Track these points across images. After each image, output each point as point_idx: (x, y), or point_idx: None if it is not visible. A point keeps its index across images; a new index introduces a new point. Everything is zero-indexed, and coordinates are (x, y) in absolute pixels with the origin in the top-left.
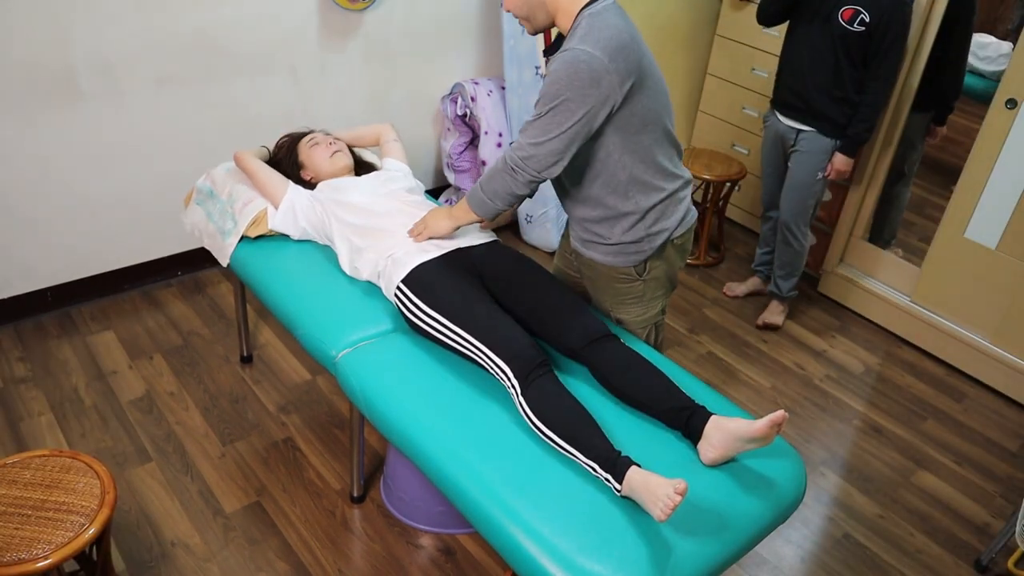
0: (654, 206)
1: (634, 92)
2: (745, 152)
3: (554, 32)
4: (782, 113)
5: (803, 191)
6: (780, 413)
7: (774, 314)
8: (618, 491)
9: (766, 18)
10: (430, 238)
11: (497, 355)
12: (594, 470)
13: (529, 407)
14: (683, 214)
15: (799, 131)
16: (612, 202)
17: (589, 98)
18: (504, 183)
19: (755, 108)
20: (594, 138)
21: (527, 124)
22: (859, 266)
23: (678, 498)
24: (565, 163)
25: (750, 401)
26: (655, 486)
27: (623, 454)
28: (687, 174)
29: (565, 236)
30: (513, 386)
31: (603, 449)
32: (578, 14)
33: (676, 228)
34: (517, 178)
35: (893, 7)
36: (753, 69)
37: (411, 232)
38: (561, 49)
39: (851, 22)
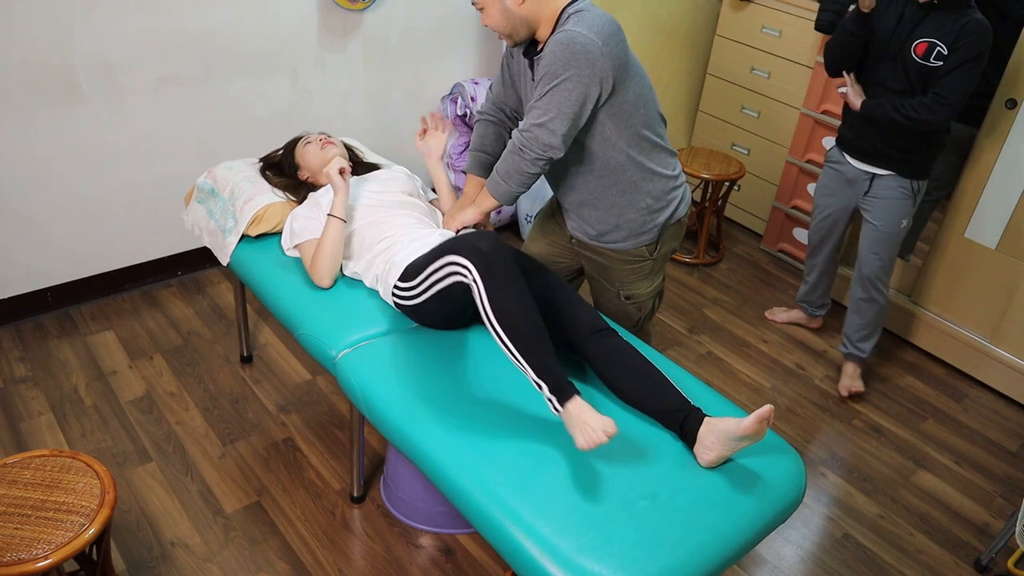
0: (651, 184)
1: (624, 78)
2: (745, 152)
3: None
4: (854, 156)
5: (889, 241)
6: (766, 408)
7: (855, 379)
8: (556, 412)
9: (834, 69)
10: (462, 227)
11: (462, 256)
12: (539, 387)
13: (491, 305)
14: (682, 194)
15: (874, 175)
16: (611, 182)
17: (585, 77)
18: (514, 163)
19: (755, 108)
20: (589, 125)
21: (531, 105)
22: None
23: (604, 438)
24: (568, 141)
25: (750, 401)
26: (589, 418)
27: (571, 380)
28: (673, 149)
29: (550, 221)
30: (476, 282)
31: (555, 372)
32: (561, 14)
33: (679, 206)
34: (525, 157)
35: (968, 28)
36: (753, 69)
37: (444, 225)
38: (555, 33)
39: (926, 57)
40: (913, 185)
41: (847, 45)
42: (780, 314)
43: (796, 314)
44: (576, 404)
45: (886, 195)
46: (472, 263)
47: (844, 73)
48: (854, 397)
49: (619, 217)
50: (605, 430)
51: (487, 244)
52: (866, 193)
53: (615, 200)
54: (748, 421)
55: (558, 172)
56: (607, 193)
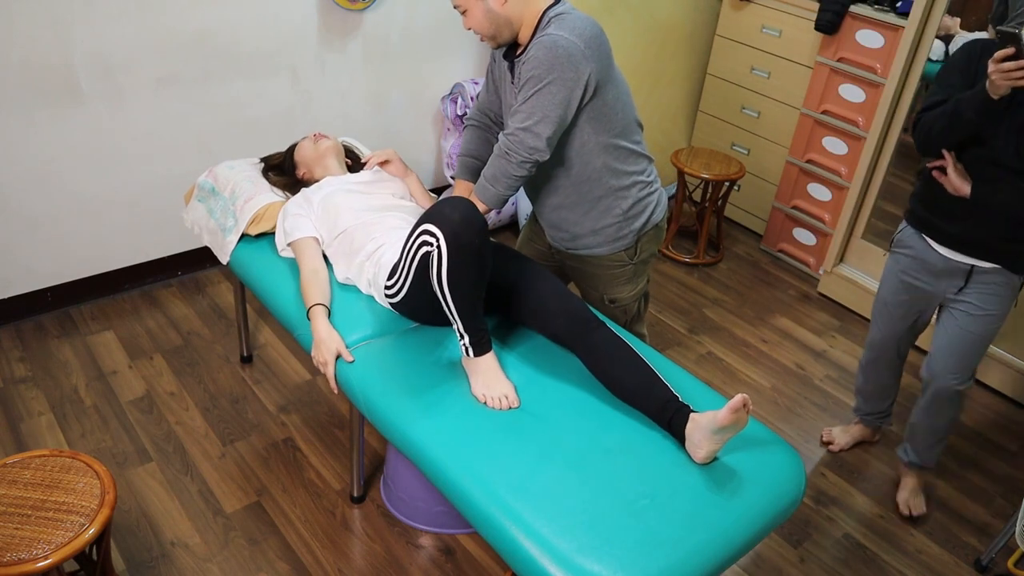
0: (627, 188)
1: (605, 82)
2: (745, 152)
3: None
4: (945, 245)
5: (982, 344)
6: (739, 397)
7: (918, 494)
8: (467, 356)
9: (933, 152)
10: None
11: (433, 224)
12: (461, 336)
13: (448, 276)
14: (658, 199)
15: (973, 266)
16: (587, 188)
17: (569, 80)
18: (501, 167)
19: (755, 108)
20: (568, 130)
21: (515, 109)
22: (859, 266)
23: (501, 404)
24: (553, 144)
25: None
26: (495, 379)
27: (489, 338)
28: (650, 154)
29: (533, 228)
30: (440, 249)
31: (481, 331)
32: (542, 16)
33: (655, 211)
34: (511, 160)
35: None
36: (753, 69)
37: None
38: (537, 36)
39: None
40: (1019, 280)
41: (959, 132)
42: (840, 438)
43: (859, 430)
44: (488, 358)
45: (990, 290)
46: (441, 231)
47: (944, 153)
48: (915, 519)
49: (595, 223)
50: (507, 396)
51: (460, 213)
52: (966, 285)
53: (590, 207)
54: (723, 412)
55: (534, 180)
56: (583, 201)
